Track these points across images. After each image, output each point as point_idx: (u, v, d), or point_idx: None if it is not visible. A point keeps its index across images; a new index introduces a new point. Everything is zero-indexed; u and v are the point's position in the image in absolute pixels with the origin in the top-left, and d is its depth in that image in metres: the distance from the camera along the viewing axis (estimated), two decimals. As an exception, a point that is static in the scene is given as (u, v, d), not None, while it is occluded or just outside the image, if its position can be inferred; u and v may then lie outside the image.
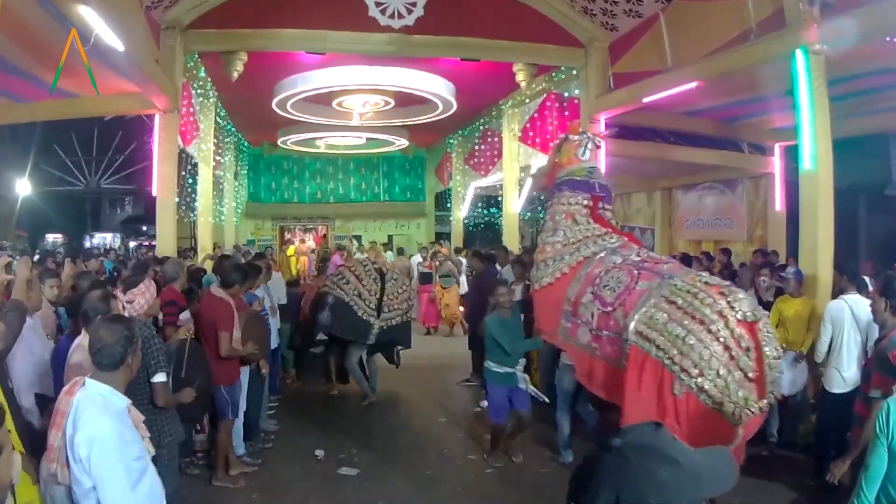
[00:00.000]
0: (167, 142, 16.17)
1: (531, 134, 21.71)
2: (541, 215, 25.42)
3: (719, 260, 17.18)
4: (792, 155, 17.97)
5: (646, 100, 15.87)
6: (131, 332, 4.92)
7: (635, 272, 8.53)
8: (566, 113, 19.50)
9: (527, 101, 22.01)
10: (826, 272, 11.53)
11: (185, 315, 9.33)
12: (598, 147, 11.08)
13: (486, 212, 30.59)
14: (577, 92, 18.81)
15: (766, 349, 7.06)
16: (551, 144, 18.56)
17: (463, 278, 21.38)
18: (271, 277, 13.91)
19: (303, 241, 36.77)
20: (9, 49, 7.24)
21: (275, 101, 21.80)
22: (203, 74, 19.03)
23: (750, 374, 7.04)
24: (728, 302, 7.27)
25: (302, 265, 33.21)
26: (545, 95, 20.84)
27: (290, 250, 33.82)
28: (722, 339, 7.05)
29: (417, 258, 24.57)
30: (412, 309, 15.50)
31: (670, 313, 7.48)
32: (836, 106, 12.03)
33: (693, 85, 14.37)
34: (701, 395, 7.02)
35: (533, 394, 10.33)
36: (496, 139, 25.21)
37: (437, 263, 22.64)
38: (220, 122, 23.92)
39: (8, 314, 5.74)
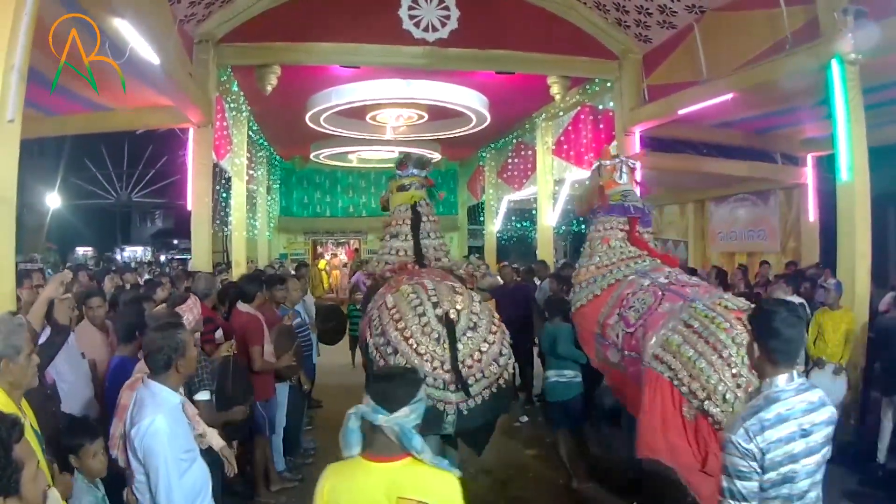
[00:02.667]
0: (201, 156, 16.21)
1: (565, 147, 21.67)
2: (573, 229, 25.37)
3: (762, 273, 17.00)
4: (824, 165, 17.96)
5: (681, 112, 15.79)
6: (177, 339, 5.20)
7: (660, 294, 8.57)
8: (601, 126, 19.54)
9: (560, 113, 21.98)
10: (863, 284, 11.53)
11: (218, 333, 9.28)
12: (633, 169, 10.99)
13: (518, 225, 30.53)
14: (611, 104, 18.83)
15: None
16: (586, 158, 18.59)
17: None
18: (306, 292, 13.59)
19: (334, 255, 36.83)
20: (41, 62, 7.23)
21: (308, 115, 21.83)
22: (236, 88, 19.10)
23: None
24: (745, 327, 6.57)
25: (334, 279, 33.21)
26: (579, 108, 20.83)
27: (322, 264, 33.86)
28: (733, 365, 6.88)
29: None
30: (509, 364, 8.39)
31: (686, 336, 7.42)
32: (870, 114, 11.98)
33: (728, 97, 14.30)
34: (709, 419, 6.86)
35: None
36: (530, 152, 25.17)
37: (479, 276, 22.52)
38: (253, 136, 23.99)
39: (53, 336, 5.75)
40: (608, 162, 10.83)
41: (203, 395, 6.81)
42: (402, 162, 11.74)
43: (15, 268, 7.20)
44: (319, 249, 37.80)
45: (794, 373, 4.32)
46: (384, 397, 3.96)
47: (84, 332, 8.07)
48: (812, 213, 19.66)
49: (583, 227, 23.92)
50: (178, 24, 13.78)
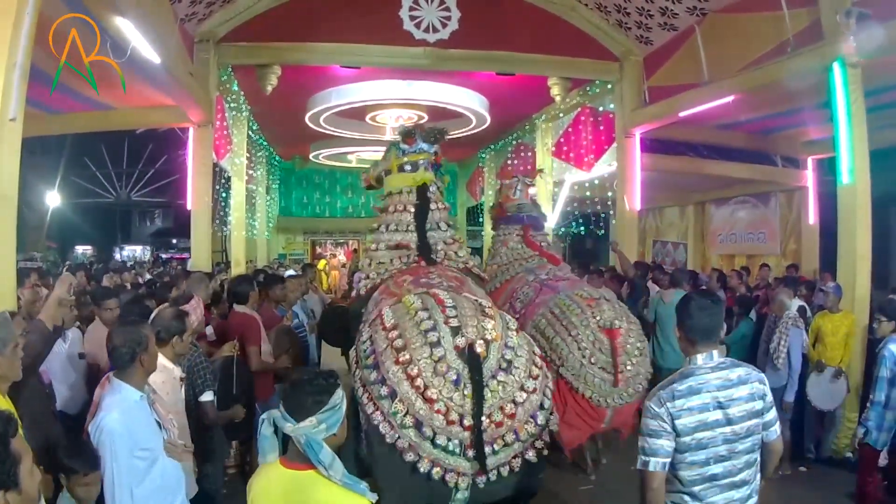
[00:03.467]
0: (201, 156, 16.21)
1: (565, 148, 21.61)
2: (573, 230, 25.38)
3: (761, 276, 17.05)
4: (825, 168, 17.98)
5: (682, 114, 15.75)
6: (139, 333, 5.33)
7: (539, 288, 10.78)
8: (601, 127, 19.49)
9: (561, 115, 21.95)
10: (864, 287, 11.49)
11: (209, 330, 9.25)
12: (529, 186, 13.67)
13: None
14: (611, 106, 18.78)
15: (622, 354, 8.93)
16: (586, 160, 18.66)
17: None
18: (307, 292, 13.40)
19: (333, 255, 36.81)
20: (42, 60, 7.24)
21: (308, 115, 21.85)
22: (236, 88, 19.09)
23: (608, 369, 8.91)
24: (592, 312, 9.21)
25: (333, 279, 33.21)
26: (579, 109, 20.76)
27: (321, 264, 33.83)
28: (579, 341, 9.03)
29: None
30: (551, 421, 6.41)
31: (549, 320, 9.63)
32: (871, 117, 11.94)
33: (729, 99, 14.28)
34: (564, 381, 9.01)
35: None
36: (529, 153, 25.14)
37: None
38: (253, 135, 23.98)
39: (28, 335, 5.77)
40: (507, 181, 13.81)
41: (207, 396, 6.88)
42: (410, 134, 10.18)
43: (16, 266, 7.19)
44: (319, 250, 37.85)
45: (715, 352, 4.90)
46: (291, 405, 3.83)
47: (96, 333, 8.05)
48: (812, 216, 19.68)
49: (583, 229, 24.01)
50: (179, 23, 13.79)
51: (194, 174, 16.23)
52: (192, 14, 14.69)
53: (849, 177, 11.53)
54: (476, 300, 6.71)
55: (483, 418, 5.64)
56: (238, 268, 19.36)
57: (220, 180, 18.90)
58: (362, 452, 6.33)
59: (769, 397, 4.92)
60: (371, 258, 9.67)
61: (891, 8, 10.57)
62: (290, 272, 15.72)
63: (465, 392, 5.68)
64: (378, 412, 5.80)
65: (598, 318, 9.10)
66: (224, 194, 19.78)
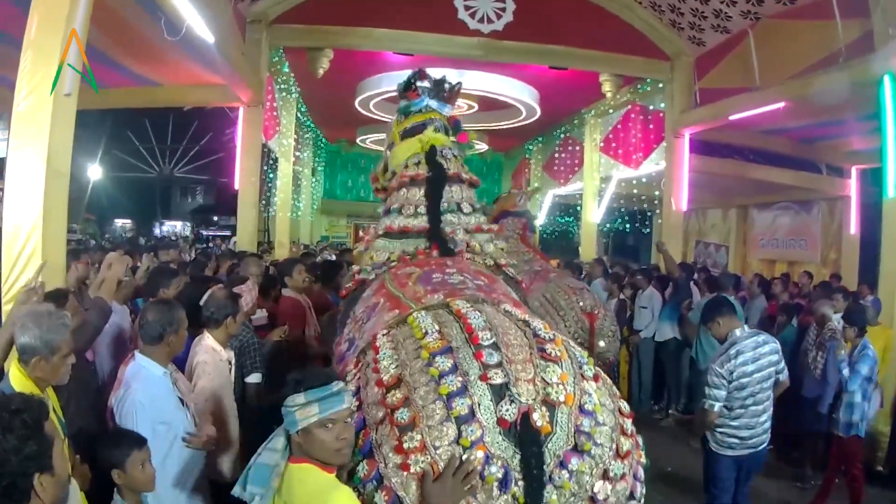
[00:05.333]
0: (250, 136, 16.31)
1: (613, 145, 21.63)
2: (617, 227, 25.45)
3: (802, 282, 16.99)
4: (868, 178, 17.87)
5: (732, 118, 15.72)
6: (172, 314, 5.39)
7: (532, 277, 11.40)
8: (650, 126, 19.49)
9: (610, 111, 21.96)
10: (904, 301, 11.33)
11: (262, 313, 9.14)
12: (527, 198, 15.46)
13: (561, 220, 30.34)
14: (661, 105, 18.75)
15: (597, 334, 10.60)
16: (634, 157, 18.66)
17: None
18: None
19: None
20: (92, 33, 7.26)
21: (357, 99, 21.84)
22: (286, 70, 19.13)
23: (584, 345, 9.89)
24: (577, 299, 10.81)
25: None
26: (629, 107, 20.76)
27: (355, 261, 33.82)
28: (567, 322, 10.56)
29: None
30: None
31: (542, 303, 10.78)
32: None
33: (780, 105, 14.20)
34: None
35: None
36: (577, 148, 25.08)
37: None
38: (300, 117, 24.00)
39: (88, 312, 5.83)
40: (514, 191, 14.98)
41: (254, 378, 6.87)
42: (411, 85, 7.63)
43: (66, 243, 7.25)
44: (361, 233, 37.25)
45: (745, 326, 7.79)
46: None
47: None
48: (853, 226, 19.55)
49: (627, 225, 24.08)
50: (232, 3, 13.86)
51: (242, 154, 16.34)
52: (245, -6, 14.73)
53: (895, 191, 11.45)
54: (524, 320, 4.51)
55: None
56: (282, 249, 19.50)
57: (268, 161, 18.98)
58: None
59: (780, 353, 7.67)
60: (368, 246, 6.95)
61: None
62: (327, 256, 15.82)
63: (518, 494, 3.52)
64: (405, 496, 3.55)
65: (581, 303, 10.85)
66: (271, 175, 19.92)
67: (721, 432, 7.54)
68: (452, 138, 7.36)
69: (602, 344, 10.81)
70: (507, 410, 3.56)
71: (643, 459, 4.08)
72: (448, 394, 3.63)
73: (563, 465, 3.56)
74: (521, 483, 3.49)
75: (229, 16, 13.51)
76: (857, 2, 12.17)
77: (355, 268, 6.73)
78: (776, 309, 13.33)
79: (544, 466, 3.52)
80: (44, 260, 6.32)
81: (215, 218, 58.13)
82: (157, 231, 55.34)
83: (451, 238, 6.46)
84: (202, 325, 6.30)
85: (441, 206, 6.63)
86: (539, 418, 3.57)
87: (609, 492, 3.64)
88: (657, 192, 19.30)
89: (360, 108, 22.85)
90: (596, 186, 22.81)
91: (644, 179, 20.34)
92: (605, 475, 3.66)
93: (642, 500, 3.95)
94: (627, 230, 25.91)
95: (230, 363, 6.37)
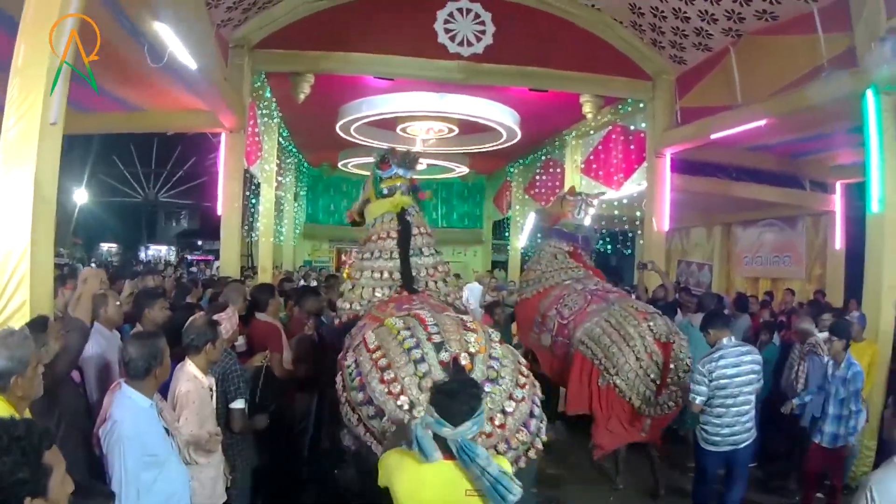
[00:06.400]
0: (233, 161, 16.29)
1: (594, 166, 21.62)
2: (599, 248, 25.49)
3: (785, 300, 17.10)
4: (853, 193, 17.88)
5: (714, 136, 15.68)
6: (155, 347, 5.49)
7: (589, 297, 11.39)
8: (631, 146, 19.51)
9: (591, 132, 21.97)
10: (889, 317, 11.38)
11: (242, 340, 9.15)
12: (591, 206, 13.91)
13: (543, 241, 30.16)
14: (643, 125, 18.80)
15: (673, 364, 9.64)
16: (615, 178, 18.58)
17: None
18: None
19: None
20: (81, 62, 7.27)
21: (339, 123, 21.82)
22: (269, 94, 19.16)
23: (657, 380, 9.64)
24: (649, 326, 9.94)
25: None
26: (610, 127, 20.78)
27: (346, 272, 33.85)
28: (637, 351, 9.74)
29: (479, 286, 23.27)
30: (541, 430, 6.43)
31: (604, 329, 10.25)
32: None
33: (762, 122, 14.21)
34: (615, 389, 9.82)
35: None
36: (558, 169, 25.06)
37: (505, 294, 22.36)
38: (283, 142, 23.96)
39: (67, 335, 5.80)
40: (571, 198, 13.95)
41: (238, 404, 6.93)
42: (384, 159, 10.21)
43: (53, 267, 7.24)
44: (343, 258, 37.28)
45: (732, 337, 8.62)
46: (446, 412, 4.36)
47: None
48: (839, 241, 19.57)
49: (609, 247, 24.06)
50: (215, 29, 13.87)
51: (225, 179, 16.33)
52: (227, 20, 14.80)
53: (879, 205, 11.44)
54: (457, 316, 6.76)
55: None
56: (265, 274, 19.49)
57: (250, 186, 18.97)
58: (351, 473, 7.20)
59: (761, 366, 8.63)
60: (354, 284, 9.70)
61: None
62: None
63: None
64: (368, 433, 6.01)
65: (654, 330, 9.88)
66: (253, 200, 19.89)
67: (706, 430, 8.50)
68: (412, 200, 10.15)
69: (678, 378, 9.66)
70: (444, 355, 5.90)
71: (539, 393, 6.28)
72: (408, 348, 6.03)
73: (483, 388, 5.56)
74: None
75: (212, 41, 13.49)
76: (839, 16, 12.26)
77: (346, 305, 9.48)
78: (757, 327, 13.38)
79: None
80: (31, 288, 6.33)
81: (199, 242, 58.65)
82: (142, 255, 55.58)
83: (415, 279, 9.50)
84: (183, 351, 6.44)
85: (410, 252, 9.60)
86: (463, 360, 5.86)
87: (514, 408, 5.79)
88: (639, 213, 19.31)
89: (341, 133, 22.83)
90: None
91: (626, 200, 20.26)
92: (510, 397, 5.85)
93: (541, 416, 6.10)
94: (609, 251, 25.90)
95: (212, 390, 6.45)
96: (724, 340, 8.54)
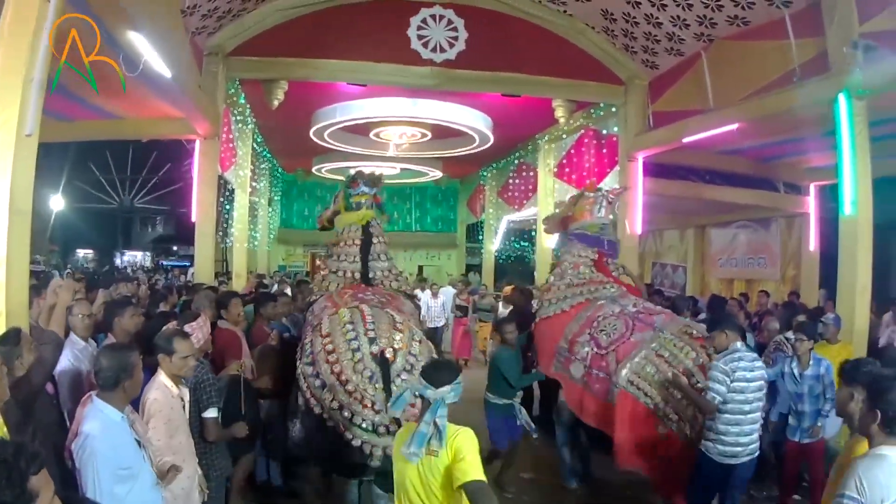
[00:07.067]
0: (207, 168, 16.31)
1: (567, 170, 21.77)
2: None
3: (760, 302, 17.11)
4: (827, 194, 17.97)
5: (686, 140, 15.79)
6: (125, 359, 5.43)
7: (631, 323, 9.94)
8: (604, 150, 19.61)
9: (564, 136, 22.07)
10: (863, 318, 11.55)
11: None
12: (610, 204, 12.54)
13: (517, 245, 30.62)
14: (615, 129, 18.89)
15: None
16: (587, 182, 18.61)
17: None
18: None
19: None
20: (53, 67, 7.27)
21: (312, 129, 21.92)
22: (243, 101, 19.15)
23: None
24: (709, 354, 8.65)
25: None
26: (583, 132, 20.90)
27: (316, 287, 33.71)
28: (701, 388, 8.32)
29: (451, 290, 23.59)
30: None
31: (658, 365, 8.94)
32: (876, 146, 12.04)
33: (734, 126, 14.30)
34: (681, 436, 8.57)
35: (524, 424, 10.76)
36: (531, 173, 25.21)
37: (478, 297, 22.46)
38: (257, 147, 24.03)
39: (41, 347, 5.84)
40: (590, 194, 12.55)
41: (211, 413, 6.93)
42: (354, 179, 11.91)
43: (29, 277, 7.25)
44: (318, 262, 37.07)
45: (742, 342, 8.19)
46: (432, 377, 5.02)
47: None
48: (813, 243, 19.65)
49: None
50: (189, 37, 13.87)
51: (199, 186, 16.32)
52: (202, 27, 14.81)
53: (851, 208, 11.60)
54: (392, 316, 8.64)
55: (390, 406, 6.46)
56: (239, 279, 19.47)
57: (224, 192, 18.94)
58: (296, 432, 8.49)
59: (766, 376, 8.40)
60: (323, 278, 11.44)
61: (897, 40, 10.62)
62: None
63: (377, 386, 7.52)
64: (314, 399, 7.82)
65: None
66: (227, 206, 19.84)
67: (723, 438, 7.80)
68: (375, 213, 11.70)
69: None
70: (374, 348, 7.77)
71: None
72: (349, 339, 7.95)
73: (399, 376, 7.63)
74: (380, 381, 7.52)
75: (187, 49, 13.53)
76: (811, 22, 12.39)
77: (317, 289, 11.35)
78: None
79: (391, 376, 7.60)
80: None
81: (175, 248, 58.50)
82: (118, 261, 55.36)
83: (372, 279, 11.12)
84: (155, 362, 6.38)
85: (369, 257, 11.23)
86: (388, 353, 7.74)
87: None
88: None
89: (315, 138, 22.95)
90: (550, 212, 22.67)
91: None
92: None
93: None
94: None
95: (183, 400, 6.41)
96: (738, 344, 8.03)
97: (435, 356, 8.53)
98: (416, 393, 5.09)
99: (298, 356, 8.49)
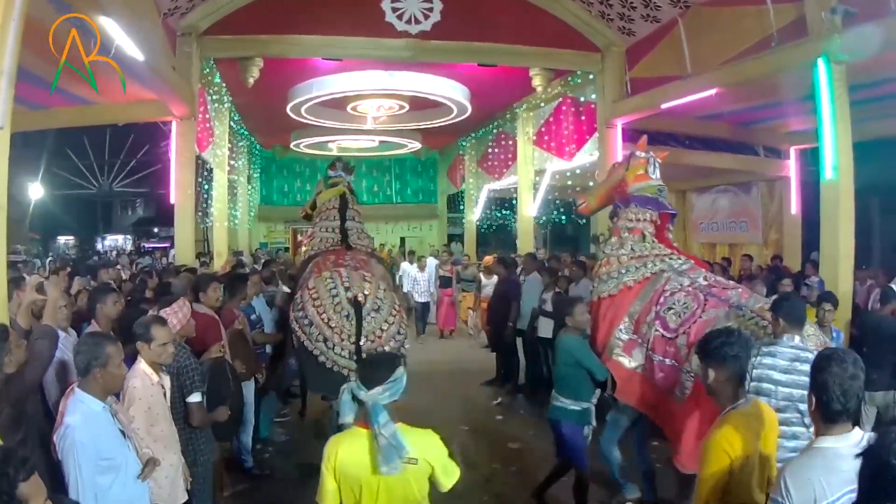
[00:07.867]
0: (184, 149, 16.24)
1: (546, 138, 21.80)
2: (554, 219, 25.41)
3: (743, 266, 17.09)
4: (807, 158, 18.00)
5: (664, 106, 15.88)
6: (98, 349, 5.31)
7: (702, 298, 8.29)
8: (582, 118, 19.65)
9: (542, 104, 22.08)
10: (847, 283, 11.57)
11: None
12: (658, 168, 10.08)
13: (498, 214, 30.49)
14: (593, 97, 18.89)
15: None
16: (567, 149, 18.55)
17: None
18: (263, 290, 12.68)
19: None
20: (26, 58, 7.16)
21: (289, 105, 21.89)
22: (218, 80, 19.11)
23: None
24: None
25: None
26: (561, 99, 20.91)
27: (303, 251, 33.70)
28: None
29: (434, 261, 23.39)
30: (404, 342, 9.80)
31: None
32: (855, 110, 11.94)
33: (712, 92, 14.36)
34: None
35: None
36: (510, 142, 25.29)
37: (461, 268, 22.43)
38: (234, 126, 24.03)
39: (37, 342, 5.78)
40: (642, 154, 10.10)
41: (195, 398, 6.81)
42: (333, 164, 14.13)
43: (7, 272, 7.16)
44: (300, 238, 37.14)
45: (800, 335, 6.65)
46: (364, 376, 4.84)
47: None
48: (794, 206, 19.75)
49: (563, 217, 24.06)
50: (161, 18, 13.77)
51: (177, 167, 16.24)
52: (174, 8, 14.68)
53: (832, 173, 11.57)
54: (363, 274, 10.30)
55: (362, 338, 9.44)
56: (220, 258, 19.46)
57: (203, 172, 18.86)
58: (292, 365, 11.76)
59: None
60: (312, 237, 13.49)
61: (877, 6, 10.61)
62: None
63: (352, 322, 9.47)
64: (304, 336, 9.65)
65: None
66: (206, 186, 19.74)
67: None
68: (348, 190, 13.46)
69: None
70: (349, 295, 9.53)
71: (405, 320, 10.31)
72: (329, 289, 9.70)
73: (368, 314, 9.49)
74: (354, 319, 9.37)
75: (159, 31, 13.46)
76: (789, -14, 12.26)
77: (307, 248, 13.71)
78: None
79: (362, 314, 9.42)
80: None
81: (156, 230, 58.36)
82: (99, 246, 55.22)
83: (349, 235, 12.64)
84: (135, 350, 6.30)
85: (346, 217, 12.83)
86: (360, 298, 9.51)
87: (387, 328, 9.55)
88: (591, 183, 19.25)
89: (292, 114, 22.93)
90: (530, 180, 23.08)
91: (578, 171, 20.52)
92: (385, 321, 9.54)
93: (406, 335, 10.04)
94: (564, 221, 25.94)
95: (163, 387, 6.35)
96: (796, 339, 6.48)
97: (398, 303, 10.30)
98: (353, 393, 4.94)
99: (291, 308, 10.37)
